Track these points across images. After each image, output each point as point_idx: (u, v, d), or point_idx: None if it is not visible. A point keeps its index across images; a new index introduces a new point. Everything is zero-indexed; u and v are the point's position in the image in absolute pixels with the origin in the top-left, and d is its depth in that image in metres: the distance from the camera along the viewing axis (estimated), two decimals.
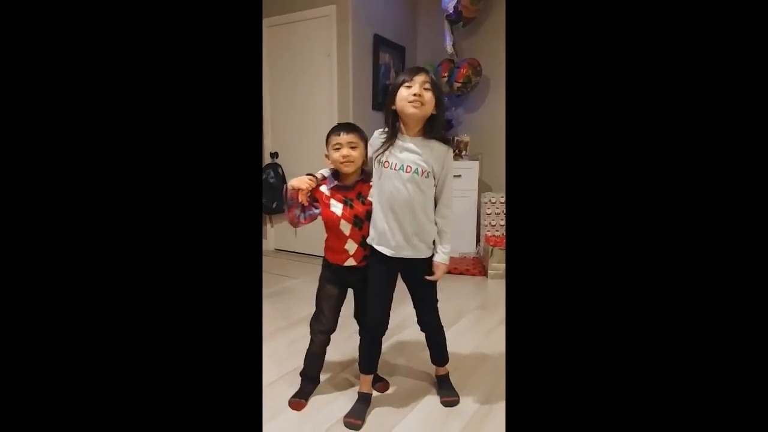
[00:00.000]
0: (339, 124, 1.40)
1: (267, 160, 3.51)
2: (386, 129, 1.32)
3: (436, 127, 1.31)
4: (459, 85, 3.37)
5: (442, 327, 1.50)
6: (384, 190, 1.30)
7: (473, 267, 3.11)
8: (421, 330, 1.50)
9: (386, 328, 1.42)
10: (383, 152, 1.30)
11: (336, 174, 1.41)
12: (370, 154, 1.36)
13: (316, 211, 1.39)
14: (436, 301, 1.47)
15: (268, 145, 3.58)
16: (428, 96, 1.25)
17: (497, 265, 2.97)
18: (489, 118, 3.64)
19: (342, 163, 1.35)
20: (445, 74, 3.37)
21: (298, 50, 3.32)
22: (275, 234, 3.63)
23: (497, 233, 3.28)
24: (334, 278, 1.45)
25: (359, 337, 1.46)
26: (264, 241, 3.73)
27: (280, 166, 3.44)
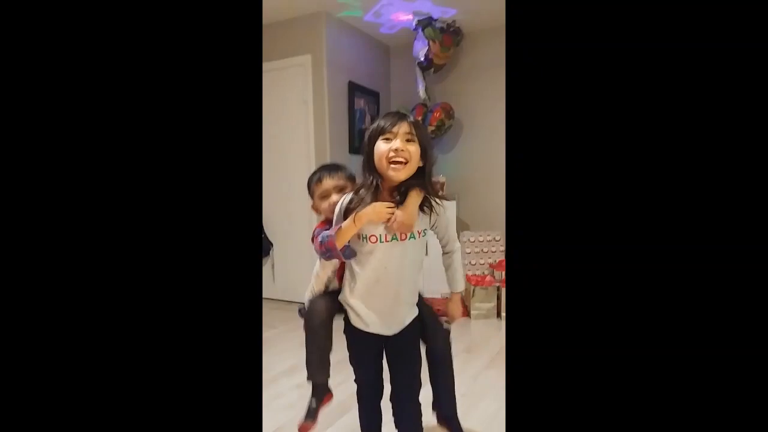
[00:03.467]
0: (319, 168, 1.22)
1: None
2: (359, 196, 1.05)
3: (427, 185, 1.08)
4: (433, 128, 3.45)
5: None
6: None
7: None
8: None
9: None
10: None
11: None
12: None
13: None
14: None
15: None
16: (414, 149, 1.02)
17: (480, 305, 2.94)
18: (463, 159, 3.72)
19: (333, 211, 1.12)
20: (419, 118, 3.46)
21: (275, 98, 3.37)
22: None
23: (477, 272, 3.28)
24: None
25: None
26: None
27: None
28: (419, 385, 1.18)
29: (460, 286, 1.26)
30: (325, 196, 1.18)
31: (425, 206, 1.08)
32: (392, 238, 1.05)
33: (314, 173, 1.22)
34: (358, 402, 1.26)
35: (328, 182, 1.18)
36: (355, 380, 1.23)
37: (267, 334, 2.66)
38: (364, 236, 1.06)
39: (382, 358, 1.19)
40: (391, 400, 1.18)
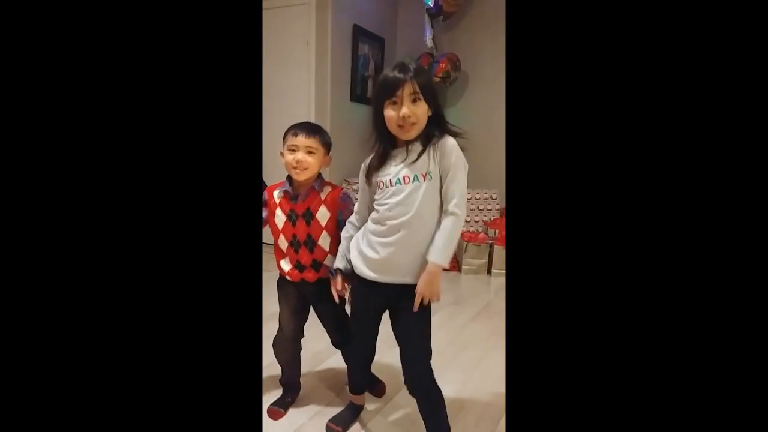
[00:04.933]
0: (300, 124, 1.23)
1: None
2: (375, 152, 1.12)
3: (442, 128, 1.08)
4: (438, 79, 3.36)
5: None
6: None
7: None
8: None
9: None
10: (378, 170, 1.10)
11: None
12: (360, 182, 1.18)
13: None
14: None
15: None
16: (421, 110, 1.03)
17: (471, 260, 2.99)
18: (467, 113, 3.64)
19: (294, 168, 1.19)
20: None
21: (275, 38, 3.24)
22: None
23: (471, 229, 3.31)
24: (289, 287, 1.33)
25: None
26: None
27: None
28: (425, 347, 1.16)
29: (440, 256, 1.04)
30: (293, 150, 1.20)
31: (429, 144, 1.06)
32: (396, 182, 1.07)
33: (295, 125, 1.23)
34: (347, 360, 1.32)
35: (302, 140, 1.19)
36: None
37: (264, 277, 2.71)
38: (377, 182, 1.11)
39: (377, 315, 1.20)
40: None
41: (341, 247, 1.21)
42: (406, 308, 1.10)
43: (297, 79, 3.21)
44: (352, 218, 1.21)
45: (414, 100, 1.02)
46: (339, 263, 1.19)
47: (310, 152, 1.20)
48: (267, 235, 1.22)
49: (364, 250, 1.13)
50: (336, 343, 1.41)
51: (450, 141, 1.06)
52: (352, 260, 1.17)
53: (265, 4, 3.21)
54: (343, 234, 1.22)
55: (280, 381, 1.48)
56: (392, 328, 1.17)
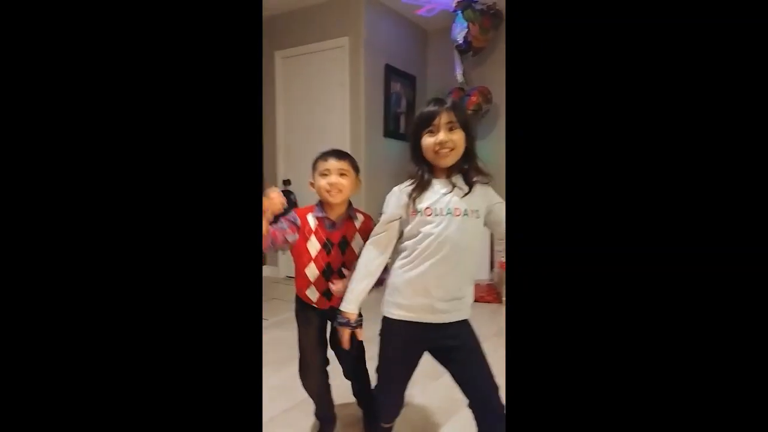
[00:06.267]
0: (328, 150, 1.24)
1: (280, 186, 3.55)
2: (415, 180, 1.09)
3: (471, 163, 1.10)
4: (470, 112, 3.40)
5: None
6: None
7: (487, 294, 3.05)
8: None
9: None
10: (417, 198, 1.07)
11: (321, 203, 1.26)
12: (392, 210, 1.11)
13: (290, 239, 1.22)
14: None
15: (281, 171, 3.63)
16: (458, 137, 1.05)
17: None
18: (500, 144, 3.64)
19: (328, 191, 1.19)
20: None
21: (312, 80, 3.41)
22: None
23: None
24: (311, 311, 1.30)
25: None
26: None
27: (293, 192, 3.47)
28: (491, 384, 1.14)
29: None
30: (326, 174, 1.21)
31: (475, 184, 1.09)
32: (447, 212, 1.05)
33: (323, 152, 1.25)
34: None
35: (334, 163, 1.21)
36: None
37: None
38: (419, 210, 1.06)
39: (418, 358, 1.15)
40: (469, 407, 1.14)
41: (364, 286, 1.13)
42: (465, 346, 1.10)
43: (333, 118, 3.34)
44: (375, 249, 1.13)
45: (450, 128, 1.05)
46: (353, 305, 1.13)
47: (342, 174, 1.21)
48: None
49: (409, 291, 1.08)
50: (357, 391, 1.39)
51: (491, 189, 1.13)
52: (391, 303, 1.11)
53: (300, 50, 3.42)
54: (371, 264, 1.13)
55: (316, 414, 1.44)
56: (448, 369, 1.14)
